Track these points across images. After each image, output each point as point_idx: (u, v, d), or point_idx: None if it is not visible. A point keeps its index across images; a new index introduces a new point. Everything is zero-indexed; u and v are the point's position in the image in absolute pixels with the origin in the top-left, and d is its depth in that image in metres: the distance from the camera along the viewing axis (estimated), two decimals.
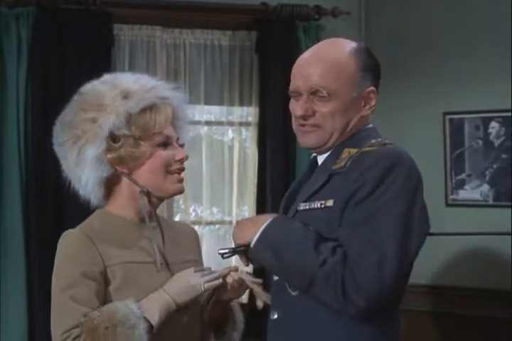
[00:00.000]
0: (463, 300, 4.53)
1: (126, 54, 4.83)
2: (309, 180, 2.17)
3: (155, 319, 2.07)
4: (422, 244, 2.02)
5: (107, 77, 2.25)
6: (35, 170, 4.50)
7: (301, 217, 2.08)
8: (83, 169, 2.15)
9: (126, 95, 2.14)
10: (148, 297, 2.09)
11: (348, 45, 2.16)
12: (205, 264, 2.40)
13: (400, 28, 5.09)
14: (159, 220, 2.26)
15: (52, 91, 4.57)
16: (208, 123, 5.08)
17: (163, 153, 2.16)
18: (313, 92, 2.09)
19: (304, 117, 2.11)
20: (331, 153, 2.12)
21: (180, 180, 2.20)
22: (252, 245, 2.06)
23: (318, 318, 2.00)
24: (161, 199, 2.24)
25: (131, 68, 4.81)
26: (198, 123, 5.03)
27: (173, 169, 2.18)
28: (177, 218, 4.91)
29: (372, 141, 2.08)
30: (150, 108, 2.14)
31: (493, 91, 4.70)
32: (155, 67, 4.87)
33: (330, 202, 2.02)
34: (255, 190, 4.99)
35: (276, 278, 2.12)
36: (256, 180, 4.98)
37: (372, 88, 2.13)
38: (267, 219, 2.07)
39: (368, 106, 2.13)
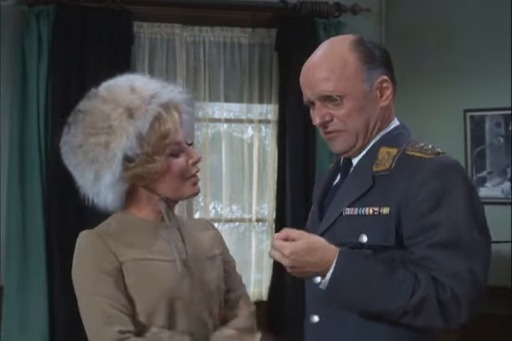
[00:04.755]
0: None
1: (146, 52, 4.84)
2: (345, 181, 2.10)
3: None
4: (491, 249, 2.01)
5: (102, 91, 2.17)
6: (56, 170, 4.51)
7: (348, 222, 2.02)
8: (100, 189, 2.14)
9: (131, 114, 2.09)
10: None
11: (344, 42, 2.10)
12: None
13: (420, 25, 5.07)
14: (177, 220, 2.26)
15: (73, 88, 4.58)
16: (227, 120, 5.08)
17: (178, 163, 2.14)
18: (324, 98, 2.05)
19: (324, 124, 2.07)
20: (366, 154, 2.07)
21: (196, 183, 2.18)
22: (324, 288, 1.96)
23: (360, 322, 1.97)
24: (176, 202, 2.24)
25: (151, 66, 4.83)
26: (218, 120, 5.04)
27: (190, 174, 2.16)
28: (197, 215, 4.91)
29: (421, 145, 2.03)
30: (157, 119, 2.10)
31: None
32: (175, 64, 4.88)
33: (385, 210, 1.97)
34: (275, 187, 4.98)
35: (316, 281, 2.02)
36: (276, 178, 4.98)
37: (383, 77, 2.06)
38: (330, 261, 1.93)
39: (384, 97, 2.07)
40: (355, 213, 2.01)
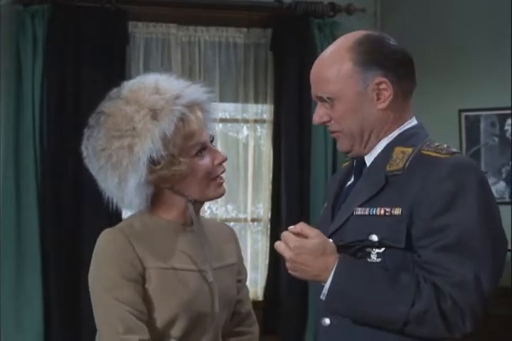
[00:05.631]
0: None
1: (141, 51, 4.84)
2: (358, 181, 2.06)
3: None
4: (506, 253, 1.96)
5: (125, 92, 2.10)
6: (51, 170, 4.51)
7: (358, 222, 1.97)
8: (126, 193, 2.07)
9: (154, 115, 2.04)
10: None
11: (348, 41, 2.03)
12: None
13: (415, 25, 5.07)
14: (202, 224, 2.20)
15: (68, 88, 4.58)
16: (222, 120, 5.08)
17: (204, 164, 2.09)
18: (320, 99, 2.03)
19: (324, 124, 2.05)
20: (380, 153, 2.02)
21: (221, 184, 2.13)
22: (323, 298, 1.93)
23: (371, 327, 1.93)
24: (203, 203, 2.20)
25: (146, 66, 4.82)
26: (213, 120, 5.02)
27: (216, 175, 2.11)
28: None
29: (437, 144, 1.98)
30: (181, 120, 2.06)
31: (509, 89, 4.67)
32: (170, 64, 4.87)
33: (397, 211, 1.92)
34: (270, 187, 4.99)
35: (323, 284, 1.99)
36: (271, 178, 4.98)
37: (381, 79, 1.98)
38: (329, 268, 1.91)
39: (382, 99, 1.99)
40: (366, 213, 1.96)
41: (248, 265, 5.04)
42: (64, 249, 4.41)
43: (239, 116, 5.08)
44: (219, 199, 4.99)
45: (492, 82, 4.76)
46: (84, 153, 2.11)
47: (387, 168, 1.98)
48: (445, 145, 1.98)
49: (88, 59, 4.60)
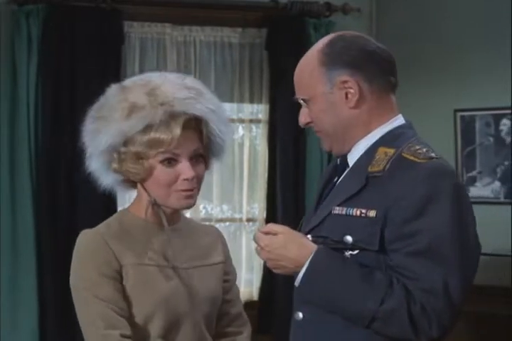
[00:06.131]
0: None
1: (136, 51, 4.84)
2: (341, 180, 2.08)
3: None
4: (478, 261, 1.96)
5: (128, 83, 2.15)
6: (46, 169, 4.51)
7: (335, 221, 1.99)
8: (95, 172, 2.16)
9: (130, 112, 2.06)
10: None
11: (320, 43, 2.06)
12: None
13: (411, 25, 5.08)
14: (180, 224, 2.23)
15: (63, 88, 4.58)
16: None
17: (164, 174, 2.08)
18: (301, 101, 2.07)
19: (309, 125, 2.09)
20: (364, 153, 2.02)
21: (187, 197, 2.11)
22: (296, 288, 1.97)
23: (343, 321, 1.95)
24: (175, 211, 2.20)
25: (141, 65, 4.82)
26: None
27: (177, 189, 2.09)
28: (187, 215, 4.88)
29: (417, 148, 1.97)
30: (152, 126, 2.05)
31: (505, 88, 4.68)
32: (165, 64, 4.87)
33: (372, 213, 1.92)
34: (265, 187, 4.99)
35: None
36: (266, 177, 4.98)
37: (346, 78, 1.99)
38: (306, 257, 1.94)
39: (349, 98, 2.00)
40: (343, 213, 1.98)
41: (243, 265, 5.04)
42: (59, 249, 4.40)
43: (234, 116, 5.08)
44: (214, 199, 5.00)
45: (487, 82, 4.77)
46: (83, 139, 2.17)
47: (369, 169, 1.98)
48: (424, 150, 1.97)
49: (83, 59, 4.59)
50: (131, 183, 2.17)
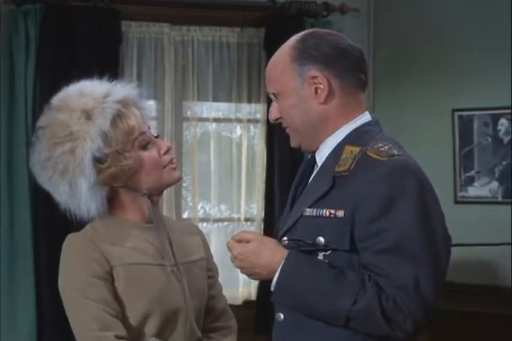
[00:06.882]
0: (465, 296, 4.52)
1: (134, 51, 4.83)
2: (310, 181, 2.09)
3: None
4: (449, 254, 1.98)
5: (55, 102, 2.19)
6: None
7: (307, 223, 2.00)
8: (80, 198, 2.11)
9: (88, 116, 2.09)
10: None
11: (293, 39, 2.09)
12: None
13: (409, 25, 5.08)
14: (164, 222, 2.24)
15: (61, 88, 4.55)
16: (216, 120, 5.07)
17: (150, 155, 2.13)
18: (271, 96, 2.08)
19: (278, 121, 2.11)
20: (331, 152, 2.04)
21: (175, 168, 2.17)
22: (272, 293, 1.99)
23: (321, 322, 1.95)
24: (159, 194, 2.22)
25: (139, 65, 4.82)
26: (207, 120, 5.03)
27: (165, 163, 2.14)
28: (185, 215, 4.90)
29: (380, 145, 1.97)
30: (117, 116, 2.10)
31: (503, 88, 4.68)
32: (163, 64, 4.87)
33: (340, 213, 1.94)
34: (263, 187, 4.98)
35: None
36: (264, 177, 4.98)
37: (316, 73, 2.00)
38: (278, 263, 1.96)
39: (319, 93, 2.01)
40: (314, 214, 1.99)
41: None
42: (57, 250, 4.39)
43: (232, 116, 5.08)
44: (212, 199, 4.99)
45: (485, 81, 4.77)
46: (32, 169, 2.16)
47: (336, 169, 1.99)
48: (387, 147, 1.97)
49: (81, 58, 4.59)
50: (113, 190, 2.15)
